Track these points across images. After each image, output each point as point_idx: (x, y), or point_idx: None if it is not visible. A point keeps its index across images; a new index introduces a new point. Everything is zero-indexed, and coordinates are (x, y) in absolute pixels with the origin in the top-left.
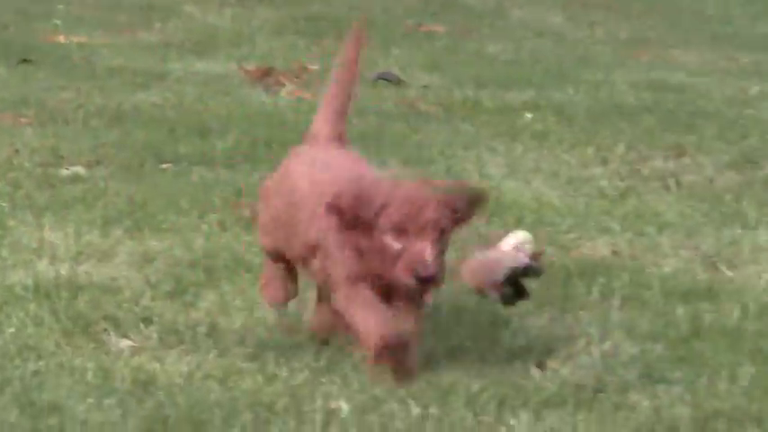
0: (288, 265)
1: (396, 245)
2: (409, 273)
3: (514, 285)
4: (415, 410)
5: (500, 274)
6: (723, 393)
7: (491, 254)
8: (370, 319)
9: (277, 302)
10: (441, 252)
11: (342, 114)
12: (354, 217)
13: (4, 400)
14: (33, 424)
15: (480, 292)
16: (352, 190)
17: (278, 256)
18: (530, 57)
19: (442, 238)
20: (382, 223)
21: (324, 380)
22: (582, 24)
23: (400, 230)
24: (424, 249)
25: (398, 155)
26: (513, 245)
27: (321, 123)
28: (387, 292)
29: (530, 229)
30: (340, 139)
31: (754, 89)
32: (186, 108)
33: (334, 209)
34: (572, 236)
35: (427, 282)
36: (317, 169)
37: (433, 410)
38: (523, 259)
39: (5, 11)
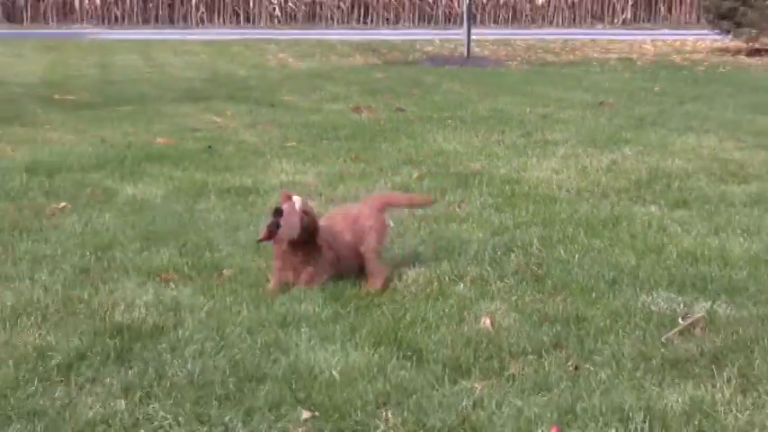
0: None
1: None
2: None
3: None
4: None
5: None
6: (522, 215)
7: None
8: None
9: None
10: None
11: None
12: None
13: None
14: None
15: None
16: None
17: None
18: (450, 100)
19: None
20: None
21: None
22: (468, 89)
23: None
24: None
25: (404, 136)
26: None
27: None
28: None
29: (452, 160)
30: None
31: (530, 111)
32: (331, 121)
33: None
34: (466, 161)
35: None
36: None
37: None
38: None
39: (262, 84)
